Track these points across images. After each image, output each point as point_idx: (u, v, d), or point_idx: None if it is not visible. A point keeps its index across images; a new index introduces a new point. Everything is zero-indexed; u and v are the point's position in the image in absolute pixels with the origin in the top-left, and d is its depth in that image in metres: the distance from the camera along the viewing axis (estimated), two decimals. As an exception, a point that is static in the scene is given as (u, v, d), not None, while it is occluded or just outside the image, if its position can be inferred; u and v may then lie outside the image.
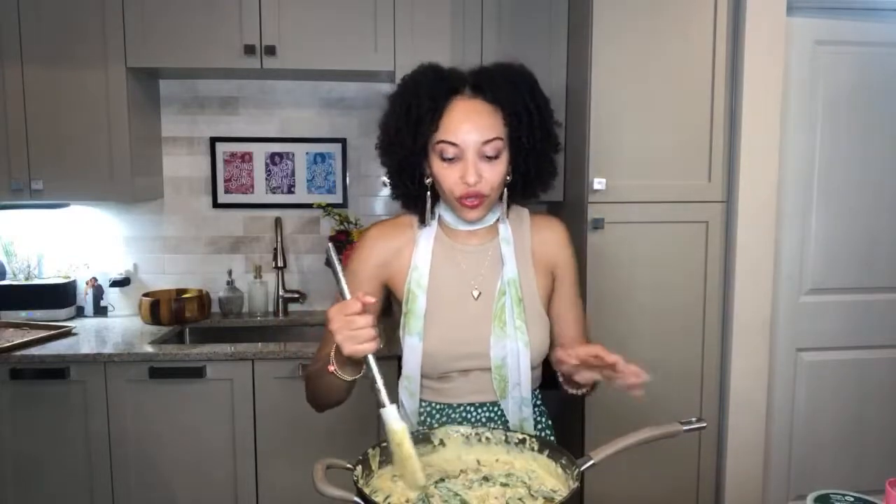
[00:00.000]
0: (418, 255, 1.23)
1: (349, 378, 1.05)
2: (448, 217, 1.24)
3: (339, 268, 1.00)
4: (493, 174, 1.15)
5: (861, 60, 2.21)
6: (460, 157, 1.14)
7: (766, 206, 2.15)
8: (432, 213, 1.23)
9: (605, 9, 2.07)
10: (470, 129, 1.13)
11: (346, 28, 2.35)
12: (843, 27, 2.19)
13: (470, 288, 1.23)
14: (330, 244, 1.03)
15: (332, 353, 1.05)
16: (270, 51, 2.32)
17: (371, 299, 1.00)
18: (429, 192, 1.21)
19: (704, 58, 2.11)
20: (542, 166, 1.21)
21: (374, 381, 0.98)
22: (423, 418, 1.25)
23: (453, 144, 1.13)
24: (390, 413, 0.98)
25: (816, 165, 2.24)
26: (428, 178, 1.19)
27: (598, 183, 2.07)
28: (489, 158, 1.14)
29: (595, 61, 2.08)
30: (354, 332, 0.97)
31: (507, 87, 1.15)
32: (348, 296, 0.99)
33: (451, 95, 1.15)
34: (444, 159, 1.15)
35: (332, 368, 1.04)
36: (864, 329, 2.31)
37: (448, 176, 1.15)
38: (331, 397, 1.17)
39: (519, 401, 1.22)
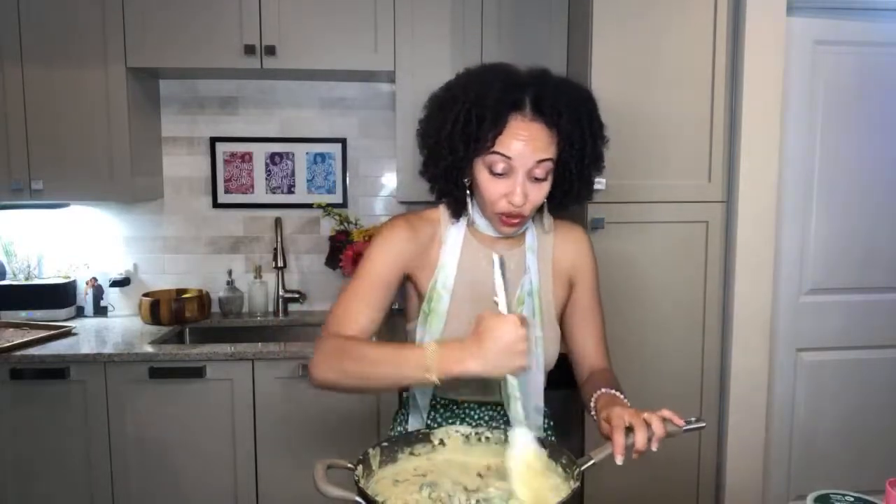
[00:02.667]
0: (446, 255, 1.21)
1: (438, 383, 1.01)
2: (479, 221, 1.22)
3: (501, 280, 0.99)
4: (538, 195, 1.14)
5: (861, 60, 2.21)
6: (509, 173, 1.11)
7: (766, 206, 2.15)
8: (466, 212, 1.22)
9: (604, 9, 2.07)
10: (524, 149, 1.10)
11: (346, 28, 2.35)
12: (843, 27, 2.19)
13: (491, 293, 1.23)
14: (497, 256, 1.00)
15: (433, 354, 1.00)
16: (270, 51, 2.32)
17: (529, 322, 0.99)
18: (468, 193, 1.19)
19: (704, 58, 2.11)
20: (584, 186, 1.21)
21: (515, 400, 0.98)
22: (427, 412, 1.26)
23: (506, 157, 1.10)
24: (528, 432, 0.99)
25: (816, 165, 2.23)
26: (467, 178, 1.17)
27: (598, 183, 2.04)
28: (537, 180, 1.13)
29: (595, 61, 2.08)
30: (530, 352, 0.96)
31: (567, 115, 1.12)
32: (506, 310, 0.98)
33: (512, 110, 1.10)
34: (493, 173, 1.12)
35: (430, 369, 0.99)
36: (864, 329, 2.31)
37: (494, 190, 1.13)
38: (380, 387, 1.14)
39: (529, 409, 1.21)
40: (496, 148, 1.10)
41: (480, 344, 0.96)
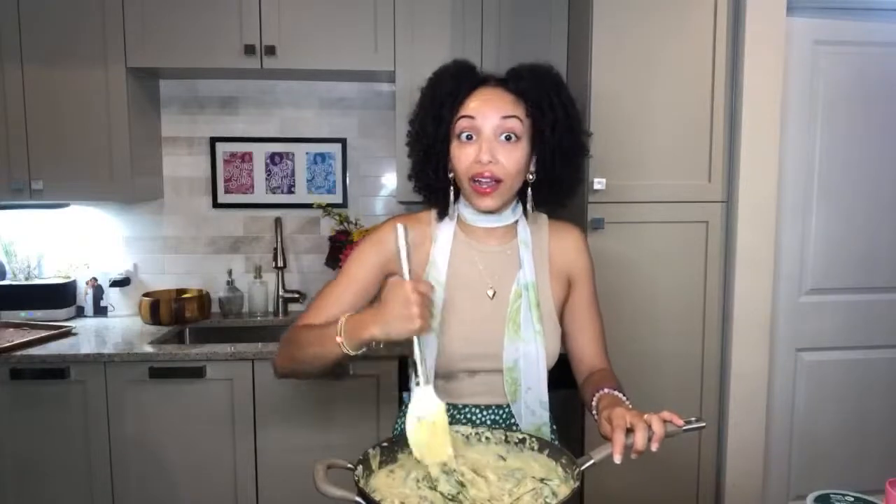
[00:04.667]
0: (437, 251, 1.22)
1: (352, 353, 1.06)
2: (467, 214, 1.23)
3: (404, 250, 1.02)
4: (510, 159, 1.14)
5: (861, 60, 2.21)
6: (477, 135, 1.14)
7: (766, 206, 2.15)
8: (451, 208, 1.23)
9: (604, 9, 2.07)
10: (489, 107, 1.14)
11: (346, 28, 2.35)
12: (843, 27, 2.19)
13: (486, 287, 1.23)
14: (401, 226, 1.03)
15: (343, 324, 1.06)
16: (270, 51, 2.32)
17: (431, 286, 1.04)
18: (451, 186, 1.21)
19: (704, 58, 2.11)
20: (567, 169, 1.20)
21: (414, 359, 1.02)
22: None
23: (470, 118, 1.14)
24: (429, 390, 1.02)
25: (816, 165, 2.24)
26: (451, 172, 1.19)
27: (598, 183, 2.07)
28: (507, 140, 1.14)
29: (595, 61, 2.08)
30: (420, 311, 0.99)
31: (531, 80, 1.16)
32: (408, 276, 1.01)
33: (474, 86, 1.17)
34: (461, 139, 1.15)
35: (339, 340, 1.05)
36: (864, 329, 2.31)
37: (464, 157, 1.15)
38: (314, 367, 1.15)
39: (533, 404, 1.22)
40: (461, 113, 1.15)
41: (380, 309, 1.02)
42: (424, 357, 1.03)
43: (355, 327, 1.04)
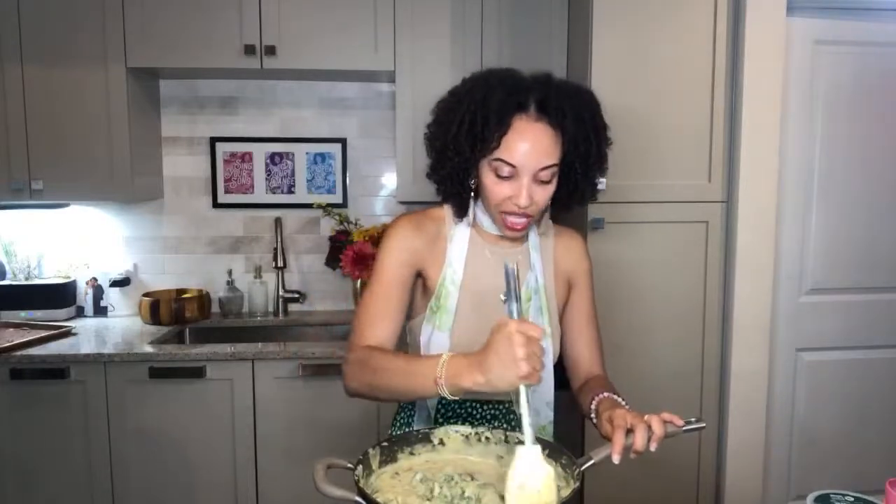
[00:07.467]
0: (453, 252, 1.23)
1: (451, 397, 0.98)
2: (484, 220, 1.24)
3: (514, 286, 0.93)
4: (543, 197, 1.15)
5: (861, 60, 2.21)
6: (514, 176, 1.12)
7: (766, 206, 2.15)
8: (469, 212, 1.23)
9: (604, 9, 2.07)
10: (529, 153, 1.10)
11: (346, 28, 2.35)
12: (843, 27, 2.19)
13: (497, 289, 1.23)
14: (513, 266, 0.94)
15: (444, 364, 0.97)
16: (270, 51, 2.32)
17: (540, 330, 0.92)
18: (472, 192, 1.20)
19: (704, 58, 2.11)
20: (588, 187, 1.21)
21: (521, 416, 0.90)
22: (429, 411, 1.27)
23: (511, 165, 1.11)
24: (536, 452, 0.90)
25: (816, 165, 2.23)
26: (473, 179, 1.18)
27: (599, 183, 2.06)
28: (542, 182, 1.14)
29: (594, 61, 2.08)
30: (528, 357, 0.89)
31: (572, 116, 1.12)
32: (517, 316, 0.91)
33: (517, 111, 1.11)
34: (498, 176, 1.13)
35: (440, 382, 0.97)
36: (864, 329, 2.31)
37: (498, 192, 1.14)
38: (398, 399, 1.11)
39: (538, 404, 1.23)
40: (501, 152, 1.11)
41: (484, 356, 0.93)
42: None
43: (457, 372, 0.95)
